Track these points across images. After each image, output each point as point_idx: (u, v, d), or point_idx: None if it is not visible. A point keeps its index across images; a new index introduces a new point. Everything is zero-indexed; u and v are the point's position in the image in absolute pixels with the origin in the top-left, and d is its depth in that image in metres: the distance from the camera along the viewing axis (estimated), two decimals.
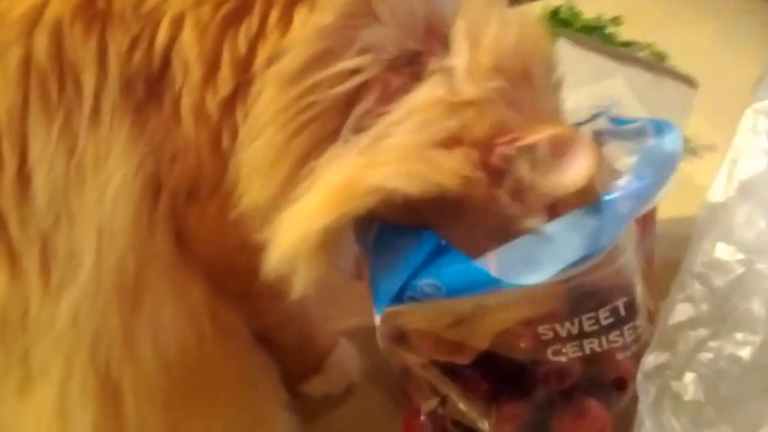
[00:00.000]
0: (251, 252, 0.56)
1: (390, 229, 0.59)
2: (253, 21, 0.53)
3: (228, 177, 0.55)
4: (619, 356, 0.64)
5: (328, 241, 0.53)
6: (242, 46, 0.53)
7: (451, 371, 0.66)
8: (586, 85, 0.89)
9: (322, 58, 0.53)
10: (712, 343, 0.56)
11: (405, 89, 0.55)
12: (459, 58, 0.55)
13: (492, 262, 0.56)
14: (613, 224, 0.58)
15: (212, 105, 0.54)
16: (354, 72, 0.53)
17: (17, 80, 0.53)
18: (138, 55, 0.53)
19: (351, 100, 0.54)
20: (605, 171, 0.64)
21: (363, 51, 0.53)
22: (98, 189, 0.53)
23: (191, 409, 0.61)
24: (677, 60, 1.17)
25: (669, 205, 0.78)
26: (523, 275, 0.55)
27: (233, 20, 0.53)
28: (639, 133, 0.65)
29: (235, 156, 0.55)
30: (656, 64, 0.88)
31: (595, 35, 1.12)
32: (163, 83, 0.54)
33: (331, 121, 0.54)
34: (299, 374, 0.78)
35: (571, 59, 0.86)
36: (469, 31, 0.56)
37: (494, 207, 0.55)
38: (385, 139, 0.53)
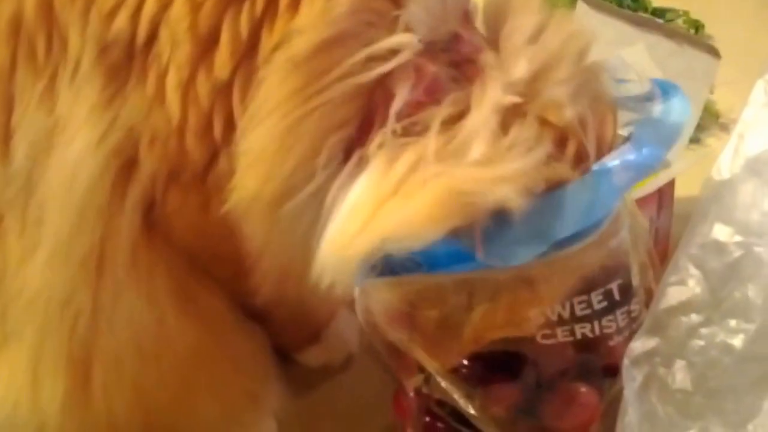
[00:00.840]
0: (236, 241, 0.55)
1: None
2: (257, 3, 0.50)
3: (217, 168, 0.53)
4: (612, 342, 0.61)
5: None
6: (244, 28, 0.51)
7: None
8: (605, 52, 0.85)
9: (337, 42, 0.50)
10: (704, 330, 0.53)
11: (449, 79, 0.52)
12: (521, 69, 0.52)
13: (476, 239, 0.53)
14: (608, 197, 0.56)
15: (204, 87, 0.52)
16: (379, 58, 0.50)
17: (7, 38, 0.52)
18: (121, 19, 0.51)
19: (375, 87, 0.51)
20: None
21: (390, 34, 0.50)
22: (61, 152, 0.52)
23: (167, 392, 0.60)
24: (713, 30, 1.12)
25: (691, 183, 0.75)
26: (509, 254, 0.53)
27: None
28: (647, 99, 0.62)
29: (228, 147, 0.52)
30: (679, 32, 0.84)
31: (626, 0, 1.08)
32: (150, 57, 0.52)
33: (345, 109, 0.51)
34: (296, 345, 0.77)
35: (591, 24, 0.82)
36: (532, 38, 0.53)
37: None
38: (471, 149, 0.50)
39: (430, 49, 0.52)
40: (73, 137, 0.52)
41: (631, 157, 0.55)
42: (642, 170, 0.56)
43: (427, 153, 0.49)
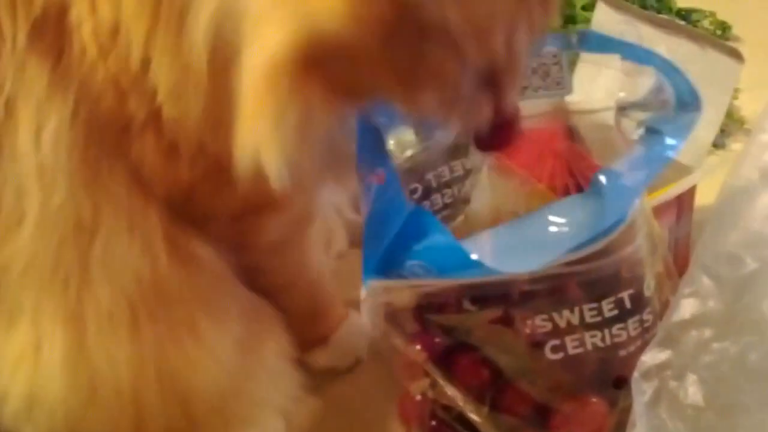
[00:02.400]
0: (209, 189, 0.57)
1: (383, 195, 0.57)
2: None
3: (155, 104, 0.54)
4: (623, 351, 0.60)
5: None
6: None
7: (446, 355, 0.64)
8: None
9: None
10: (716, 345, 0.52)
11: None
12: None
13: (485, 246, 0.53)
14: (620, 199, 0.55)
15: (102, 32, 0.52)
16: None
17: None
18: None
19: None
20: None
21: None
22: (32, 131, 0.54)
23: (163, 339, 0.59)
24: (740, 32, 1.10)
25: (714, 190, 0.74)
26: (519, 262, 0.52)
27: None
28: (659, 91, 0.61)
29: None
30: (702, 35, 0.82)
31: (650, 0, 1.07)
32: (68, 20, 0.53)
33: None
34: (305, 343, 0.76)
35: (611, 25, 0.81)
36: None
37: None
38: None
39: None
40: (45, 118, 0.53)
41: (638, 154, 0.54)
42: (654, 165, 0.55)
43: None
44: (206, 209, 0.61)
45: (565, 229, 0.52)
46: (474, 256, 0.53)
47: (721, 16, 1.10)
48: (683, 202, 0.80)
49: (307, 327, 0.75)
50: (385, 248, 0.55)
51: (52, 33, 0.53)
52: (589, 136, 0.74)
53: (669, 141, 0.55)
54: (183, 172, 0.57)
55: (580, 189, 0.71)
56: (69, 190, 0.55)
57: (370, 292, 0.60)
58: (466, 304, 0.61)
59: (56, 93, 0.53)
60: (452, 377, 0.63)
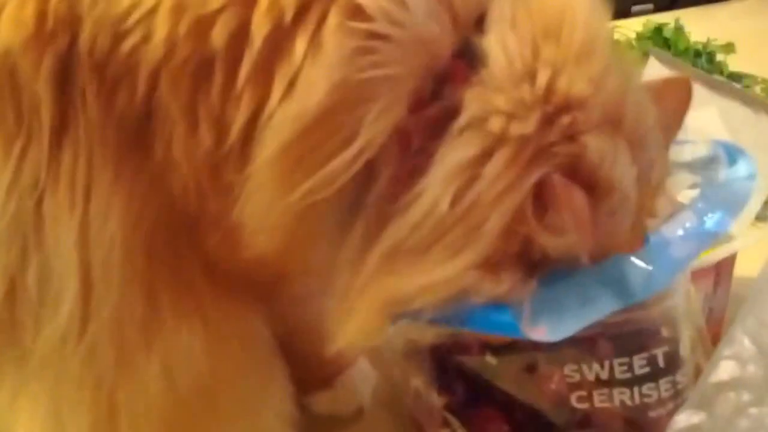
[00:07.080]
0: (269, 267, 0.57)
1: None
2: (217, 78, 0.50)
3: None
4: (653, 414, 0.61)
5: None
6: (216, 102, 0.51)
7: (466, 407, 0.65)
8: None
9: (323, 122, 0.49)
10: (753, 410, 0.53)
11: (435, 141, 0.50)
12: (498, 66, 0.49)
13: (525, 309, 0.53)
14: (665, 271, 0.55)
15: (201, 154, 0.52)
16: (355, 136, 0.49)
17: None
18: (120, 101, 0.52)
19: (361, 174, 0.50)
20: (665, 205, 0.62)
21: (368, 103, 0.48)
22: (81, 233, 0.53)
23: (194, 424, 0.61)
24: None
25: (752, 263, 0.75)
26: (556, 324, 0.53)
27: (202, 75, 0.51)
28: (710, 162, 0.62)
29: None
30: (755, 99, 0.84)
31: (700, 61, 1.09)
32: (150, 132, 0.52)
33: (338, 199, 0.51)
34: (308, 385, 0.77)
35: None
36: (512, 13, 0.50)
37: None
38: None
39: (417, 101, 0.50)
40: (104, 221, 0.53)
41: (692, 225, 0.55)
42: (704, 240, 0.56)
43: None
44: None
45: (608, 290, 0.53)
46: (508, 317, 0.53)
47: None
48: (722, 270, 0.81)
49: (312, 365, 0.75)
50: None
51: (129, 134, 0.52)
52: None
53: (721, 215, 0.56)
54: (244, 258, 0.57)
55: None
56: (119, 289, 0.54)
57: (398, 330, 0.61)
58: (488, 353, 0.62)
59: (119, 192, 0.53)
60: (472, 428, 0.64)
